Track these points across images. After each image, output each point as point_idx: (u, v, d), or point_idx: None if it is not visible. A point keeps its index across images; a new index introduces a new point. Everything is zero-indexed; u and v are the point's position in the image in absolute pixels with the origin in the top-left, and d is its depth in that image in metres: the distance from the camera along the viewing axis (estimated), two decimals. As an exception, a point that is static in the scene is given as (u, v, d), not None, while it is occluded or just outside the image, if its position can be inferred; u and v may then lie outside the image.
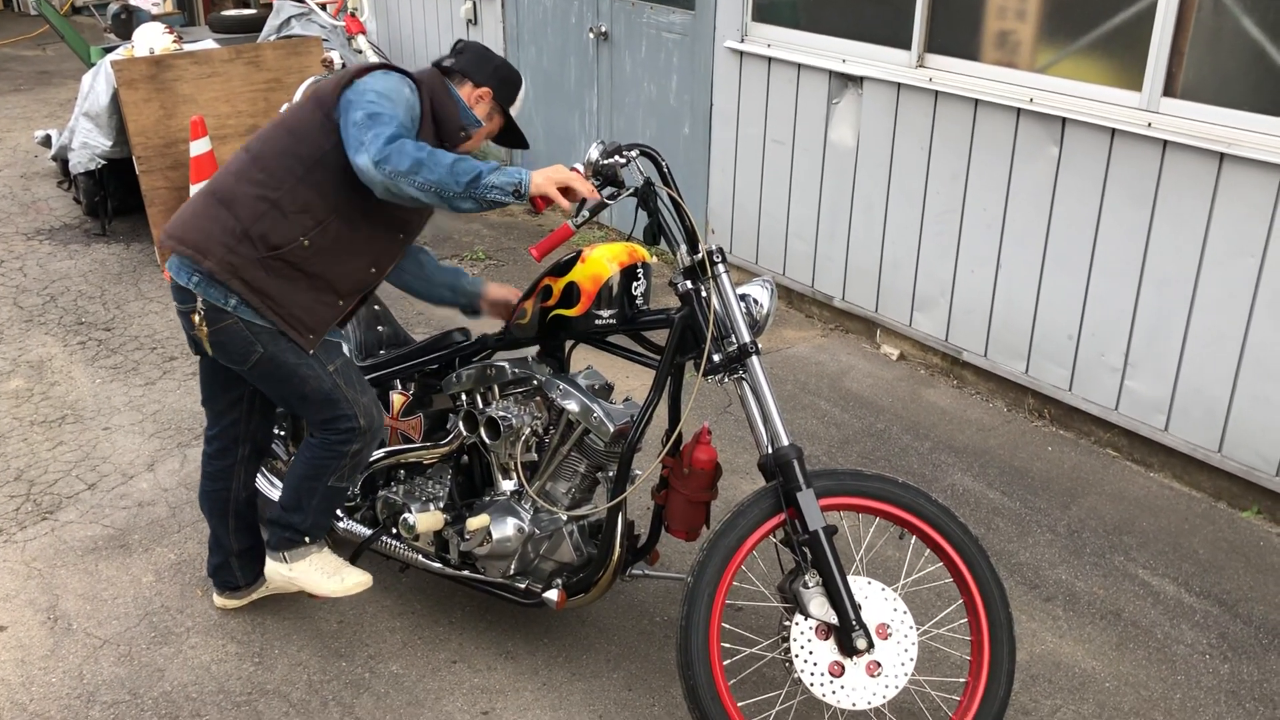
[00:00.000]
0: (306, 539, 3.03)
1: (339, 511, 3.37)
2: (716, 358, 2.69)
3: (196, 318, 2.80)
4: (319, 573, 3.03)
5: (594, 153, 2.71)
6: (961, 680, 2.79)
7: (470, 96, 2.93)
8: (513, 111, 3.03)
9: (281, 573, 3.05)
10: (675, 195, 2.74)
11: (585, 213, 2.70)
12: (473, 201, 2.58)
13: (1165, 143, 3.83)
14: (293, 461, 3.01)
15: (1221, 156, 3.69)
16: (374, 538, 3.22)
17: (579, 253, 2.92)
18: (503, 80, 2.97)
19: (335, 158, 2.74)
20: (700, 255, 2.71)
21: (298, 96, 2.74)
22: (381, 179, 2.57)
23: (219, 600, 3.30)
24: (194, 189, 5.65)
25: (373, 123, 2.61)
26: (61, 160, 6.78)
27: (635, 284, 2.90)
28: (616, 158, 2.73)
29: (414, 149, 2.56)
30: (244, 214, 2.75)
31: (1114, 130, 3.98)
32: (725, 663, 2.70)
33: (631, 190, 2.74)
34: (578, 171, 2.69)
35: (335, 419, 2.88)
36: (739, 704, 2.68)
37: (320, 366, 2.86)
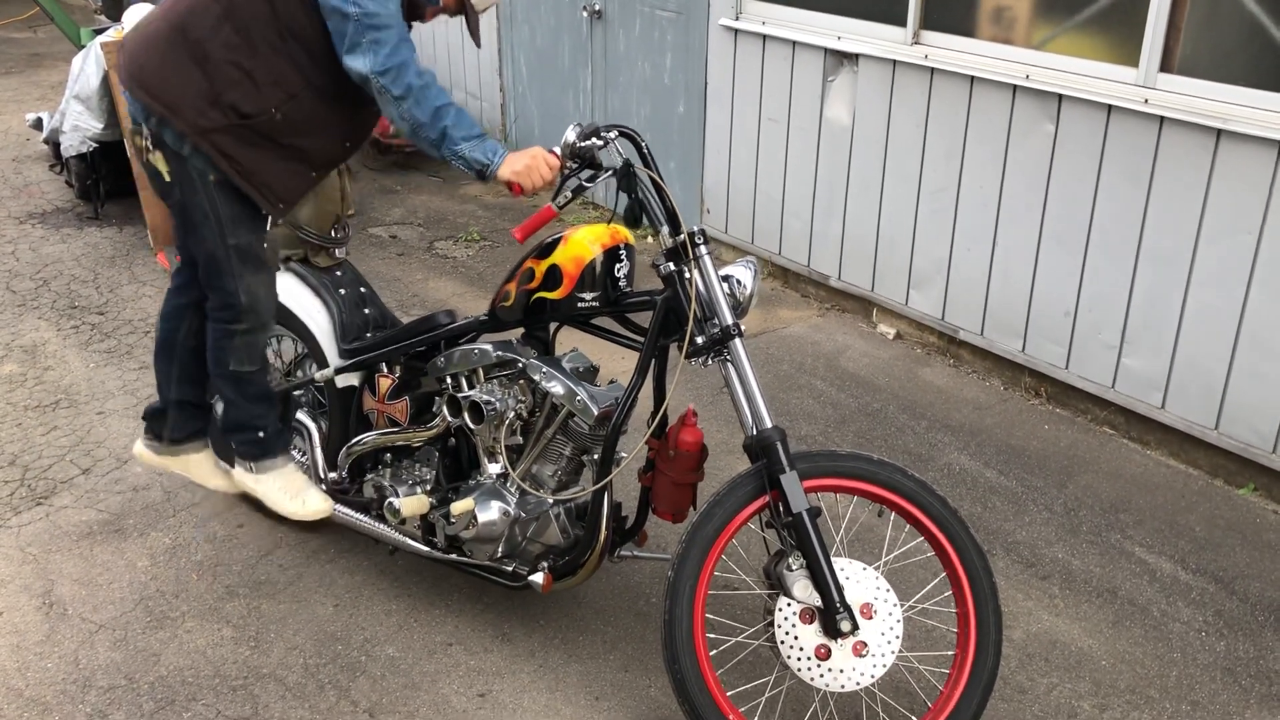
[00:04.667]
0: (259, 434, 3.06)
1: (324, 487, 3.37)
2: (699, 340, 2.67)
3: (140, 140, 2.85)
4: (282, 492, 3.09)
5: (570, 135, 2.67)
6: (950, 653, 2.79)
7: None
8: (475, 3, 2.89)
9: (248, 483, 3.10)
10: (655, 177, 2.71)
11: (566, 194, 2.68)
12: (438, 152, 2.64)
13: (1162, 119, 3.81)
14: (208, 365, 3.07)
15: (1219, 132, 3.67)
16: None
17: (561, 235, 2.90)
18: None
19: (313, 35, 2.70)
20: (682, 237, 2.69)
21: None
22: (372, 90, 2.62)
23: (135, 448, 3.32)
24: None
25: (372, 25, 2.59)
26: (53, 143, 6.73)
27: (618, 265, 2.88)
28: (594, 140, 2.69)
29: (414, 76, 2.60)
30: (217, 78, 2.70)
31: (1110, 106, 3.95)
32: (712, 652, 2.69)
33: (610, 172, 2.71)
34: (554, 155, 2.66)
35: (219, 289, 2.89)
36: (729, 692, 2.68)
37: (220, 233, 2.84)
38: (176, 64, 2.71)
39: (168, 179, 2.84)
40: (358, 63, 2.61)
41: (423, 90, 2.59)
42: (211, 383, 3.10)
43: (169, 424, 3.26)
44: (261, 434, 3.07)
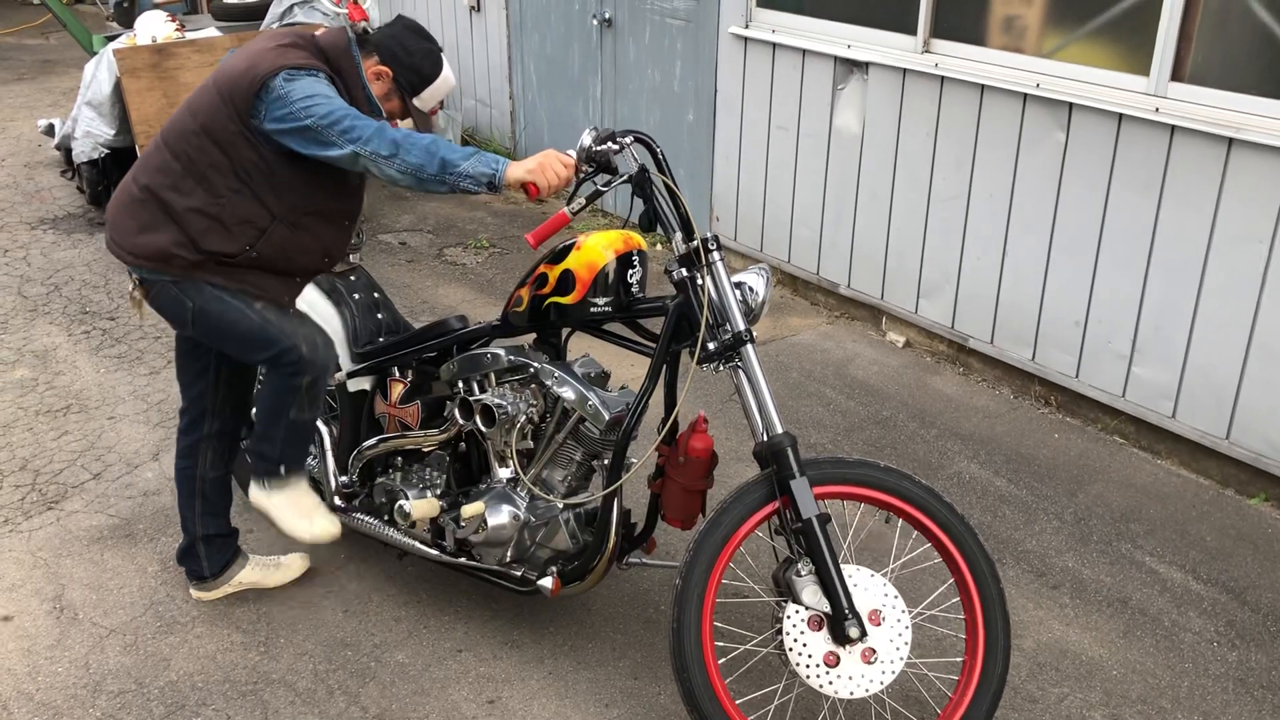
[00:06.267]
0: (281, 469, 3.08)
1: (338, 500, 3.37)
2: (711, 346, 2.68)
3: (131, 285, 2.93)
4: (292, 511, 3.10)
5: (587, 139, 2.69)
6: (959, 660, 2.78)
7: (370, 70, 2.90)
8: (420, 104, 2.97)
9: (260, 501, 3.10)
10: (670, 183, 2.72)
11: (581, 199, 2.68)
12: (446, 186, 2.65)
13: (1173, 128, 3.81)
14: (258, 394, 3.07)
15: (1230, 141, 3.66)
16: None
17: (574, 240, 2.91)
18: (410, 67, 2.91)
19: (267, 167, 2.78)
20: (695, 243, 2.69)
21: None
22: (363, 164, 2.66)
23: (193, 592, 3.32)
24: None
25: (334, 121, 2.66)
26: (65, 149, 6.77)
27: (631, 271, 2.89)
28: (609, 144, 2.71)
29: (392, 132, 2.65)
30: (191, 229, 2.80)
31: (1121, 115, 3.95)
32: (721, 660, 2.69)
33: (625, 177, 2.72)
34: (569, 158, 2.67)
35: (278, 355, 2.91)
36: (738, 700, 2.67)
37: (246, 307, 2.90)
38: (149, 222, 2.82)
39: (175, 300, 2.90)
40: (335, 150, 2.66)
41: (406, 138, 2.63)
42: (260, 433, 3.06)
43: (204, 561, 3.27)
44: (283, 470, 3.08)
